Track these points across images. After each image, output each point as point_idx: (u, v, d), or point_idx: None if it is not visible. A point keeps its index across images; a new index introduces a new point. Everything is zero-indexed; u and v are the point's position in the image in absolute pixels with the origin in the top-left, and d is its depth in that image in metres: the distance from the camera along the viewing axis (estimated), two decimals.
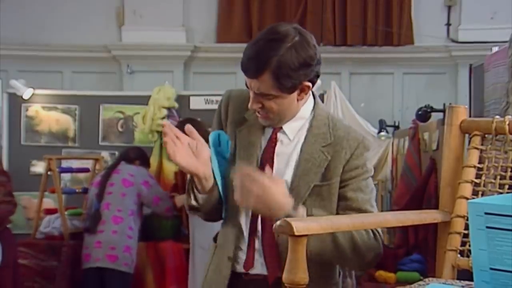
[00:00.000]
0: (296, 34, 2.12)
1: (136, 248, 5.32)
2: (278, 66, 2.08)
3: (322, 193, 2.21)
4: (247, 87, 2.21)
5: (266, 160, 2.24)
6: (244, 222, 2.26)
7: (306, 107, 2.28)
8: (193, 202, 2.24)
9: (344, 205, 2.22)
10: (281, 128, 2.27)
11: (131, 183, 5.29)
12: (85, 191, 5.68)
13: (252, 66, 2.12)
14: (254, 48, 2.13)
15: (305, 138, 2.25)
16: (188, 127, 2.14)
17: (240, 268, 2.26)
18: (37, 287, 5.40)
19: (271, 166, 2.22)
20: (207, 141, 2.24)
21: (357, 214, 2.14)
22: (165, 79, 7.09)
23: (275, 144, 2.26)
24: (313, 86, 2.22)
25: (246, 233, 2.25)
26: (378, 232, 2.20)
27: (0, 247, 4.65)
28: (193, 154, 2.12)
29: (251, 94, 2.20)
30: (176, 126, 5.25)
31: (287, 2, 8.26)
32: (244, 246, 2.26)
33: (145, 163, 5.62)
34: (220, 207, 2.29)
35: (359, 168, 2.23)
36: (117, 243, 5.17)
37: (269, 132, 2.29)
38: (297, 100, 2.21)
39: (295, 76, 2.11)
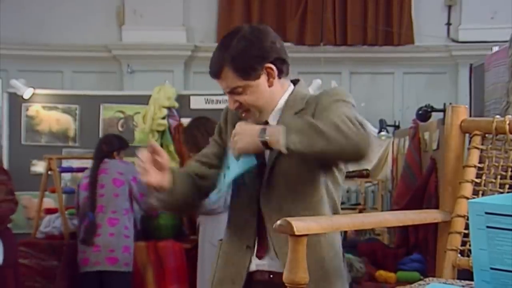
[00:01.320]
0: (248, 28, 2.28)
1: (133, 244, 5.31)
2: (233, 58, 2.22)
3: None
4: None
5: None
6: (250, 216, 2.30)
7: (282, 99, 2.32)
8: (154, 202, 2.36)
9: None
10: (267, 123, 2.29)
11: (122, 182, 5.23)
12: None
13: (212, 69, 2.28)
14: (212, 54, 2.29)
15: (281, 113, 2.30)
16: (152, 145, 2.26)
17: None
18: (38, 286, 5.40)
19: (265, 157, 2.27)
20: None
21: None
22: (165, 78, 7.09)
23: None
24: (278, 70, 2.27)
25: (254, 225, 2.29)
26: (362, 125, 2.05)
27: (1, 247, 4.65)
28: (158, 169, 2.24)
29: (228, 97, 2.31)
30: (190, 124, 5.20)
31: (287, 1, 8.26)
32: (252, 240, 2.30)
33: (123, 145, 5.49)
34: (185, 203, 2.38)
35: (319, 104, 2.21)
36: (115, 245, 5.15)
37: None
38: (268, 86, 2.27)
39: (252, 61, 2.23)
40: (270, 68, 2.25)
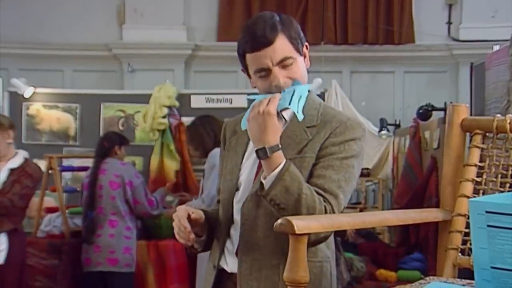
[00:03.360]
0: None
1: (135, 245, 5.31)
2: (286, 27, 2.14)
3: (295, 164, 2.07)
4: (260, 73, 2.16)
5: None
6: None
7: None
8: (199, 248, 2.27)
9: (310, 182, 2.05)
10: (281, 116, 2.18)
11: (118, 185, 5.23)
12: None
13: (265, 35, 2.11)
14: (255, 25, 2.15)
15: (292, 119, 2.15)
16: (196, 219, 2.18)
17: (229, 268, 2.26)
18: (39, 285, 5.39)
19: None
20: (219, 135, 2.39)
21: (323, 194, 2.02)
22: (166, 77, 7.09)
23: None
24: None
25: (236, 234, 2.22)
26: (331, 206, 2.03)
27: (6, 245, 4.65)
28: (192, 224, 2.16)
29: (274, 72, 2.14)
30: (195, 122, 5.17)
31: (288, 0, 8.26)
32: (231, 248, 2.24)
33: (123, 141, 5.48)
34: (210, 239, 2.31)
35: (336, 145, 2.10)
36: (115, 246, 5.16)
37: None
38: (305, 67, 2.23)
39: (299, 36, 2.18)
40: (307, 48, 2.23)
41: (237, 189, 2.22)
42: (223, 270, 2.24)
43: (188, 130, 5.18)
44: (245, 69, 2.22)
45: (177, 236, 2.15)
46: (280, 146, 2.02)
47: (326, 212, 2.00)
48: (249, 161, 2.23)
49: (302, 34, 2.21)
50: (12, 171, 4.74)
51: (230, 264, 2.21)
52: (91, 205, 5.19)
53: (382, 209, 6.81)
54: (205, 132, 4.85)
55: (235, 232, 2.21)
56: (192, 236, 2.12)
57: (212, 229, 2.27)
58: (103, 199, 5.19)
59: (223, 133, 2.39)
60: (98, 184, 5.21)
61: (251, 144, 2.22)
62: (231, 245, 2.22)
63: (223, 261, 2.24)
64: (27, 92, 6.65)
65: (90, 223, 5.18)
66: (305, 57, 2.22)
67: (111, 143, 5.37)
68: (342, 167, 2.07)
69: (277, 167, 2.00)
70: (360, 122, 2.26)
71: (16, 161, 4.79)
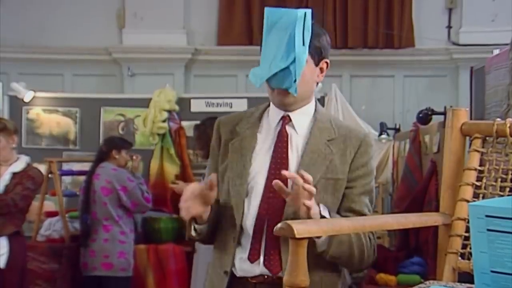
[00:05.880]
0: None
1: (132, 250, 5.32)
2: (312, 35, 2.17)
3: (327, 187, 2.21)
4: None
5: (281, 154, 2.25)
6: (249, 225, 2.24)
7: (311, 105, 2.32)
8: (193, 233, 2.27)
9: (348, 206, 2.24)
10: (290, 120, 2.28)
11: (109, 191, 5.25)
12: None
13: None
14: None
15: (311, 131, 2.27)
16: (212, 180, 2.14)
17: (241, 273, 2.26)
18: None
19: (286, 158, 2.24)
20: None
21: (357, 216, 2.18)
22: (165, 81, 7.09)
23: (287, 138, 2.27)
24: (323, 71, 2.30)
25: (250, 233, 2.24)
26: (374, 238, 2.27)
27: (7, 249, 4.65)
28: (203, 202, 2.16)
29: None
30: (205, 122, 5.21)
31: (287, 4, 8.26)
32: (245, 251, 2.25)
33: (124, 145, 5.52)
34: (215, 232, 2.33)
35: (364, 166, 2.26)
36: (110, 251, 5.18)
37: (270, 130, 2.30)
38: (315, 80, 2.28)
39: (322, 48, 2.24)
40: (327, 63, 2.28)
41: (246, 195, 2.24)
42: (233, 275, 2.25)
43: (197, 129, 5.26)
44: None
45: (184, 204, 2.14)
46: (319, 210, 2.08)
47: (370, 240, 2.25)
48: (256, 165, 2.26)
49: (327, 49, 2.27)
50: (14, 174, 4.75)
51: (246, 268, 2.23)
52: (86, 209, 5.23)
53: (382, 213, 6.80)
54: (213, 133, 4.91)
55: (244, 237, 2.23)
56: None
57: (215, 224, 2.28)
58: (96, 205, 5.24)
59: (217, 131, 2.39)
60: (92, 189, 5.24)
61: (257, 147, 2.27)
62: (243, 252, 2.24)
63: (236, 266, 2.25)
64: (27, 96, 6.66)
65: (85, 228, 5.22)
66: (321, 71, 2.28)
67: (109, 147, 5.39)
68: (369, 190, 2.28)
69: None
70: (369, 133, 2.36)
71: (18, 166, 4.81)
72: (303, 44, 2.14)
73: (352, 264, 2.26)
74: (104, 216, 5.21)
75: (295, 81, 2.15)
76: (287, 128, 2.28)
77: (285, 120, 2.29)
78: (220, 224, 2.31)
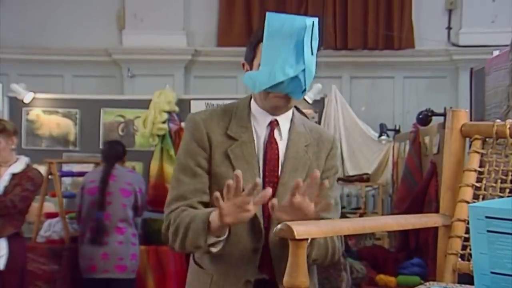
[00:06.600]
0: None
1: (139, 251, 5.34)
2: None
3: None
4: None
5: (274, 161, 2.24)
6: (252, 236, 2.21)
7: (291, 109, 2.32)
8: (213, 249, 2.14)
9: None
10: (277, 124, 2.26)
11: (130, 193, 5.25)
12: None
13: None
14: None
15: (290, 136, 2.27)
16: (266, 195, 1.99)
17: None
18: None
19: (277, 165, 2.23)
20: None
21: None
22: (165, 83, 7.09)
23: (277, 145, 2.25)
24: None
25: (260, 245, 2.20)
26: (342, 237, 2.35)
27: (6, 250, 4.65)
28: (237, 207, 2.00)
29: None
30: None
31: (287, 5, 8.26)
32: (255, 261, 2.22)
33: (125, 152, 5.54)
34: None
35: (333, 168, 2.36)
36: (124, 253, 5.16)
37: (263, 133, 2.27)
38: None
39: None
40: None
41: None
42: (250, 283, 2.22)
43: None
44: (250, 59, 2.25)
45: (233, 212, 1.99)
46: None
47: (341, 241, 2.33)
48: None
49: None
50: (14, 175, 4.75)
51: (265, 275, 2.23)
52: (100, 206, 5.15)
53: (382, 214, 6.80)
54: None
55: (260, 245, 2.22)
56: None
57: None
58: (111, 206, 5.17)
59: (201, 131, 2.25)
60: (107, 191, 5.20)
61: (260, 154, 2.24)
62: (259, 259, 2.21)
63: (258, 275, 2.22)
64: (27, 97, 6.66)
65: (100, 224, 5.13)
66: None
67: (124, 150, 5.44)
68: (335, 185, 2.37)
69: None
70: (335, 136, 2.51)
71: (18, 167, 4.80)
72: (312, 54, 2.14)
73: (322, 265, 2.37)
74: (120, 217, 5.19)
75: (304, 90, 2.15)
76: (275, 133, 2.26)
77: (273, 124, 2.26)
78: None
